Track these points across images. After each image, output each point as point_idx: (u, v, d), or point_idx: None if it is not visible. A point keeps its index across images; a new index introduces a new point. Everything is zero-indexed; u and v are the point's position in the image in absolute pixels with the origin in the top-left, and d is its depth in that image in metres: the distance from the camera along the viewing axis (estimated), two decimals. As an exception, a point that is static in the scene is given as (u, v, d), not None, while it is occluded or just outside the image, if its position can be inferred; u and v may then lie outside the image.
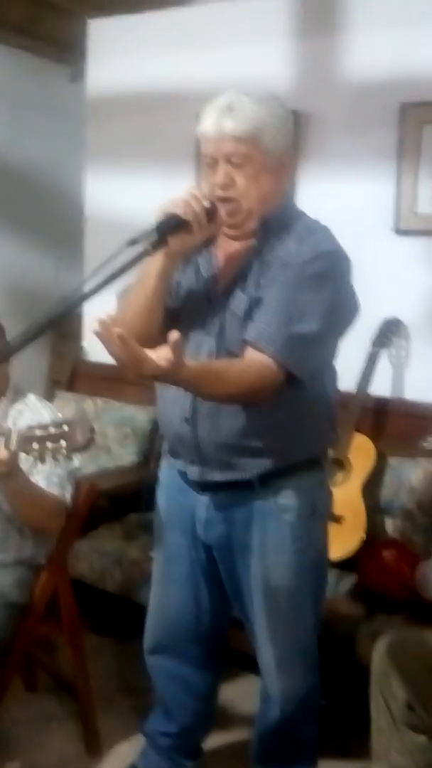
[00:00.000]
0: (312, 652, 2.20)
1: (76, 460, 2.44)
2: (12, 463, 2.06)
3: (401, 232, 3.26)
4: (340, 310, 1.97)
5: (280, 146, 1.95)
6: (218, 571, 2.18)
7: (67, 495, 2.36)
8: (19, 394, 2.42)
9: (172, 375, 1.70)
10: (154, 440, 3.60)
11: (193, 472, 2.10)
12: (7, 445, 2.00)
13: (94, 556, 3.08)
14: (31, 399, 2.42)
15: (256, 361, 1.88)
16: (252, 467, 2.03)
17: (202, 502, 2.12)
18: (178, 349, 1.65)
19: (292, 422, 2.01)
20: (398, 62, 3.18)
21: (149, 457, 3.61)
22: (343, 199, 3.25)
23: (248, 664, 2.40)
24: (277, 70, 3.41)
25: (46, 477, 2.32)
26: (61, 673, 2.73)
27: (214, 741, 2.55)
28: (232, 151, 1.90)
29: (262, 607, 2.10)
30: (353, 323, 2.03)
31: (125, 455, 3.61)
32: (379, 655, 2.13)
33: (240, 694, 2.75)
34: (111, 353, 1.65)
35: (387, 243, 3.26)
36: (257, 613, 2.12)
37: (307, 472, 2.08)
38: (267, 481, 2.04)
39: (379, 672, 2.11)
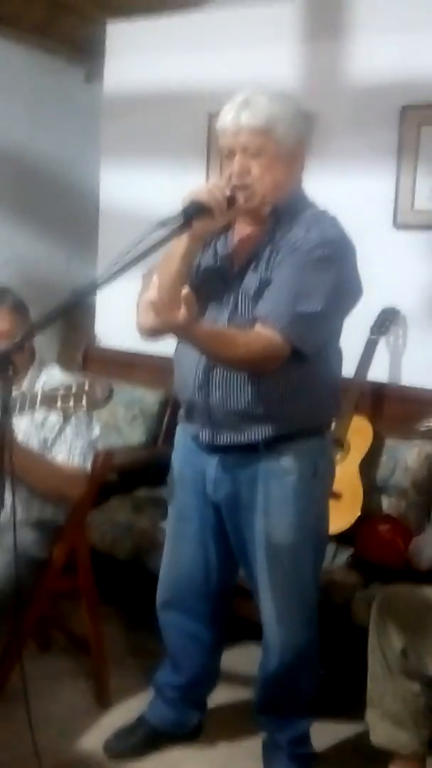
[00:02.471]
0: (311, 607, 2.37)
1: (97, 428, 2.62)
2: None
3: (400, 226, 3.45)
4: (343, 291, 2.16)
5: (292, 139, 2.14)
6: (226, 530, 2.35)
7: (88, 464, 2.55)
8: (44, 365, 2.61)
9: (184, 329, 1.94)
10: (162, 420, 3.78)
11: (204, 435, 2.28)
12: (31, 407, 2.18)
13: (106, 526, 3.24)
14: (55, 368, 2.61)
15: (264, 334, 2.07)
16: (258, 432, 2.20)
17: (212, 463, 2.29)
18: (189, 304, 1.87)
19: (295, 394, 2.18)
20: (399, 66, 3.36)
21: (157, 436, 3.78)
22: (345, 194, 3.39)
23: (252, 633, 2.56)
24: (284, 72, 3.58)
25: (69, 447, 2.51)
26: (74, 631, 2.88)
27: (217, 700, 2.71)
28: (247, 143, 2.10)
29: (265, 561, 2.27)
30: (356, 304, 2.22)
31: (134, 435, 3.78)
32: (376, 606, 2.30)
33: (243, 660, 2.88)
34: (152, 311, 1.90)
35: (386, 236, 3.44)
36: (260, 567, 2.29)
37: (309, 438, 2.25)
38: (271, 445, 2.21)
39: (376, 622, 2.28)
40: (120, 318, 4.06)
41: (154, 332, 2.12)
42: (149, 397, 3.84)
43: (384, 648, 2.24)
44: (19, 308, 2.55)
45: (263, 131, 2.09)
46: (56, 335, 4.47)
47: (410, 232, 3.43)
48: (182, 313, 1.87)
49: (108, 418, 3.73)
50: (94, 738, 2.60)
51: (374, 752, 2.33)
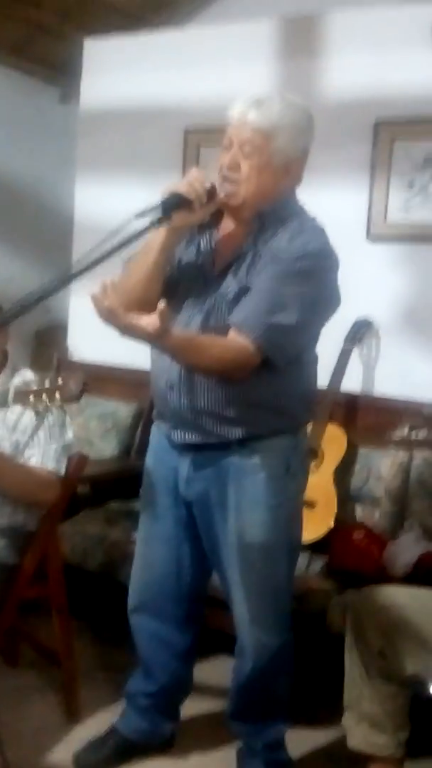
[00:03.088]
0: (285, 608, 2.33)
1: (70, 432, 2.58)
2: None
3: (373, 239, 3.48)
4: (320, 304, 2.15)
5: (289, 152, 2.13)
6: (198, 531, 2.32)
7: (61, 468, 2.50)
8: (16, 370, 2.57)
9: (158, 340, 1.92)
10: (135, 433, 3.75)
11: (176, 434, 2.26)
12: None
13: (77, 537, 3.19)
14: (28, 371, 2.57)
15: (237, 342, 2.06)
16: (229, 433, 2.18)
17: (184, 462, 2.27)
18: (164, 318, 1.86)
19: (268, 397, 2.17)
20: (372, 83, 3.42)
21: (130, 449, 3.75)
22: (320, 207, 3.41)
23: (226, 645, 2.51)
24: (259, 88, 3.61)
25: (42, 451, 2.47)
26: (42, 644, 2.81)
27: (190, 711, 2.66)
28: (246, 140, 2.09)
29: (237, 561, 2.24)
30: (333, 315, 2.21)
31: (107, 448, 3.75)
32: (352, 607, 2.28)
33: (217, 673, 2.83)
34: (102, 319, 1.90)
35: (360, 249, 3.46)
36: (232, 567, 2.26)
37: (282, 437, 2.23)
38: (243, 443, 2.19)
39: (352, 623, 2.25)
40: (93, 331, 4.07)
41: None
42: (122, 410, 3.81)
43: (361, 649, 2.21)
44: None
45: (264, 134, 2.08)
46: (29, 348, 4.45)
47: (383, 245, 3.46)
48: (152, 323, 1.87)
49: (80, 431, 3.69)
50: (65, 752, 2.52)
51: (351, 758, 2.29)
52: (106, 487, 3.55)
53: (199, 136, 3.80)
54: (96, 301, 1.89)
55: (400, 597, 2.30)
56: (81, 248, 4.31)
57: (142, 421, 3.75)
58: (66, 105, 5.10)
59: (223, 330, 2.10)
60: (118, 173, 4.16)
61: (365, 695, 2.21)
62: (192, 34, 3.94)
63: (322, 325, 2.22)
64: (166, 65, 3.93)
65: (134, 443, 3.76)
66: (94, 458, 3.63)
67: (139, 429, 3.76)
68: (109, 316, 1.89)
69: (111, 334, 3.65)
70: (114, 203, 4.11)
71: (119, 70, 4.11)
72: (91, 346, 4.04)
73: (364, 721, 2.21)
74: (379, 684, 2.19)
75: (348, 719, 2.25)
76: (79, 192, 4.34)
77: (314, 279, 2.10)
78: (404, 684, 2.17)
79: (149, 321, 1.88)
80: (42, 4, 4.36)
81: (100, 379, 3.92)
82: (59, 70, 4.93)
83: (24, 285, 4.61)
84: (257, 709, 2.36)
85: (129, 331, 1.92)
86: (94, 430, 3.79)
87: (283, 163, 2.12)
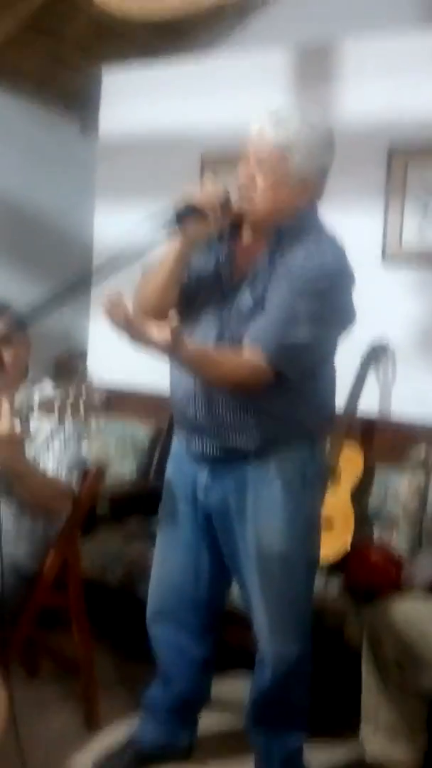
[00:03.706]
0: (304, 618, 2.35)
1: (86, 445, 2.64)
2: (18, 441, 2.26)
3: (388, 263, 3.54)
4: (334, 322, 2.19)
5: (306, 170, 2.16)
6: (217, 540, 2.35)
7: (73, 479, 2.55)
8: (36, 382, 2.63)
9: (170, 352, 2.00)
10: (153, 454, 3.80)
11: (195, 444, 2.30)
12: (20, 422, 2.21)
13: (96, 553, 3.22)
14: (48, 383, 2.63)
15: (250, 359, 2.11)
16: (246, 442, 2.23)
17: (203, 471, 2.32)
18: (175, 334, 1.93)
19: (283, 409, 2.21)
20: (386, 109, 3.51)
21: (149, 470, 3.79)
22: (336, 231, 3.53)
23: (244, 662, 2.53)
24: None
25: (57, 459, 2.52)
26: (62, 654, 2.84)
27: (208, 725, 2.68)
28: (263, 156, 2.14)
29: (256, 570, 2.27)
30: (347, 331, 2.25)
31: (126, 468, 3.79)
32: (370, 619, 2.30)
33: (236, 689, 2.83)
34: (116, 326, 1.95)
35: (375, 272, 3.52)
36: (251, 577, 2.28)
37: (298, 446, 2.27)
38: (260, 452, 2.23)
39: (370, 635, 2.28)
40: (112, 354, 4.14)
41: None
42: (140, 432, 3.86)
43: (377, 661, 2.24)
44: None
45: (280, 152, 2.11)
46: (48, 373, 4.50)
47: (398, 269, 3.52)
48: (165, 337, 1.93)
49: (99, 451, 3.74)
50: (84, 761, 2.54)
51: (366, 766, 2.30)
52: (124, 506, 3.59)
53: (216, 163, 3.88)
54: (110, 310, 1.95)
55: (417, 609, 2.33)
56: (101, 276, 4.39)
57: (160, 442, 3.79)
58: (86, 136, 5.20)
59: (237, 342, 2.15)
60: (136, 201, 4.23)
61: (382, 706, 2.23)
62: (207, 64, 4.04)
63: (337, 341, 2.26)
64: (182, 95, 4.04)
65: (152, 464, 3.80)
66: (113, 479, 3.70)
67: (158, 450, 3.80)
68: (125, 325, 1.96)
69: (130, 357, 3.74)
70: (133, 228, 4.22)
71: (137, 100, 4.23)
72: (110, 369, 4.09)
73: (381, 732, 2.23)
74: (396, 695, 2.21)
75: (365, 730, 2.27)
76: (98, 220, 4.44)
77: (328, 298, 2.14)
78: (421, 695, 2.19)
79: (162, 334, 1.94)
80: (62, 36, 4.48)
81: (119, 402, 3.98)
82: (79, 102, 5.04)
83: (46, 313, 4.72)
84: (275, 718, 2.38)
85: (142, 341, 1.98)
86: (112, 452, 3.84)
87: (299, 181, 2.16)
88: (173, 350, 1.98)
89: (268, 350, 2.09)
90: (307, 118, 2.17)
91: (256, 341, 2.11)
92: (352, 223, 3.51)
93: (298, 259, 2.15)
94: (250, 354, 2.11)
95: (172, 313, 1.95)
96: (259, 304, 2.17)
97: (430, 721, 2.24)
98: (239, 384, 2.15)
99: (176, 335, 1.93)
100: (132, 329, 1.96)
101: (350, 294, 2.22)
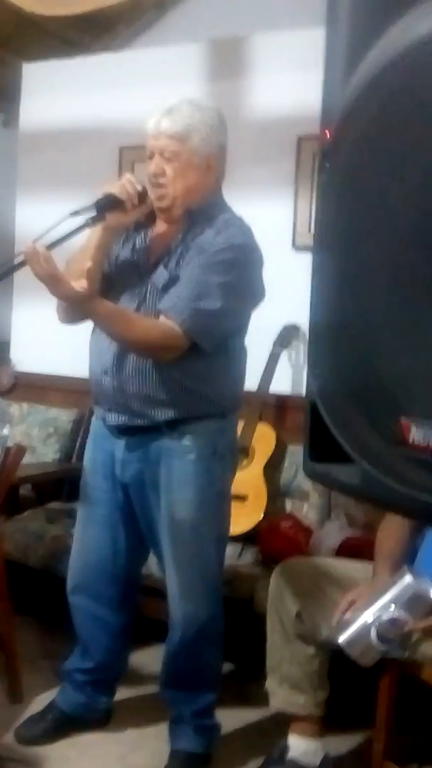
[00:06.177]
0: (213, 583, 2.47)
1: (6, 429, 2.73)
2: None
3: (298, 248, 3.69)
4: (244, 293, 2.33)
5: (207, 149, 2.32)
6: (135, 513, 2.47)
7: None
8: None
9: (85, 302, 2.10)
10: (76, 439, 3.89)
11: (111, 417, 2.41)
12: None
13: (18, 534, 3.31)
14: None
15: (165, 323, 2.24)
16: (159, 415, 2.34)
17: (120, 445, 2.42)
18: (91, 277, 2.05)
19: (198, 383, 2.34)
20: (295, 101, 3.63)
21: (71, 454, 3.89)
22: (248, 219, 3.64)
23: (160, 634, 2.63)
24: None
25: None
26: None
27: (125, 694, 2.80)
28: (164, 147, 2.29)
29: (168, 537, 2.39)
30: (256, 306, 2.39)
31: (49, 453, 3.88)
32: (274, 576, 2.43)
33: (151, 660, 2.95)
34: (35, 272, 2.04)
35: (286, 257, 3.66)
36: (164, 544, 2.40)
37: (209, 421, 2.39)
38: (173, 426, 2.35)
39: (273, 592, 2.40)
40: (35, 342, 4.23)
41: (67, 313, 2.30)
42: (63, 417, 3.96)
43: (281, 614, 2.36)
44: None
45: (179, 138, 2.27)
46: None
47: (308, 253, 3.62)
48: (82, 284, 2.03)
49: (23, 437, 3.82)
50: (7, 730, 2.63)
51: (275, 726, 2.44)
52: (47, 489, 3.68)
53: (134, 154, 3.98)
54: (32, 259, 2.04)
55: (317, 566, 2.47)
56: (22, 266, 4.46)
57: (83, 427, 3.89)
58: (7, 129, 5.24)
59: (155, 316, 2.27)
60: (57, 191, 4.31)
61: (285, 658, 2.35)
62: (125, 57, 4.14)
63: (246, 314, 2.40)
64: (101, 87, 4.14)
65: (75, 449, 3.89)
66: (36, 463, 3.79)
67: (80, 435, 3.90)
68: (50, 280, 2.06)
69: (53, 345, 3.83)
70: (54, 216, 4.29)
71: (57, 93, 4.31)
72: (34, 357, 4.18)
73: (285, 683, 2.35)
74: (298, 646, 2.33)
75: (270, 682, 2.39)
76: (20, 210, 4.50)
77: (237, 269, 2.28)
78: (321, 645, 2.32)
79: (78, 283, 2.07)
80: (-18, 31, 4.52)
81: (42, 389, 4.08)
82: (1, 95, 5.08)
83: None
84: (186, 678, 2.49)
85: (64, 293, 2.09)
86: (36, 437, 3.93)
87: (203, 160, 2.31)
88: (91, 298, 2.09)
89: (181, 317, 2.21)
90: (195, 103, 2.33)
91: (170, 309, 2.24)
92: (264, 211, 3.64)
93: (209, 236, 2.30)
94: (165, 320, 2.23)
95: (87, 263, 2.09)
96: (173, 280, 2.30)
97: (331, 668, 2.37)
98: (152, 345, 2.26)
99: (90, 279, 2.05)
100: (52, 279, 2.06)
101: (259, 270, 2.36)
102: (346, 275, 0.99)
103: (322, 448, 1.04)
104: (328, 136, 1.00)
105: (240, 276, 2.29)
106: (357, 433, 0.96)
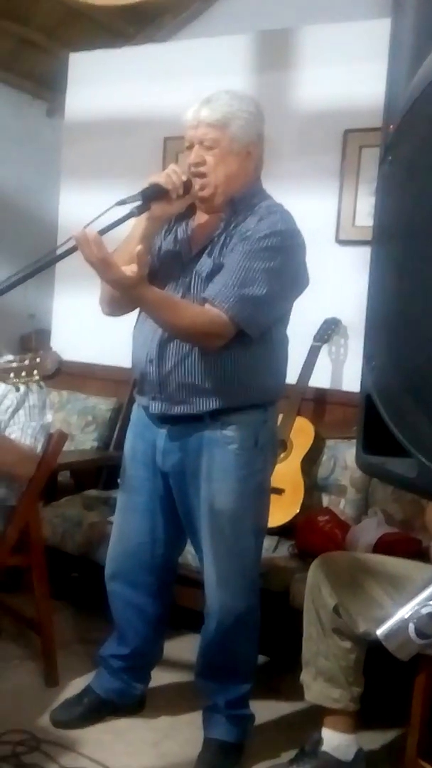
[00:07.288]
0: (250, 574, 2.48)
1: (50, 415, 2.75)
2: None
3: (342, 242, 3.68)
4: (288, 279, 2.34)
5: (246, 136, 2.32)
6: (174, 502, 2.48)
7: (39, 446, 2.66)
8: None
9: (134, 287, 2.10)
10: (115, 427, 3.92)
11: (154, 406, 2.42)
12: None
13: (57, 520, 3.34)
14: (9, 356, 2.73)
15: (211, 310, 2.24)
16: (204, 405, 2.35)
17: (162, 434, 2.44)
18: (141, 261, 2.05)
19: (241, 372, 2.34)
20: (341, 94, 3.63)
21: (109, 442, 3.92)
22: (292, 212, 3.65)
23: (194, 623, 2.64)
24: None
25: (22, 428, 2.64)
26: (22, 613, 2.96)
27: (160, 680, 2.82)
28: (204, 136, 2.30)
29: (207, 527, 2.40)
30: (300, 293, 2.40)
31: (87, 441, 3.91)
32: (313, 569, 2.42)
33: (185, 649, 2.97)
34: (86, 256, 2.04)
35: (329, 251, 3.65)
36: (203, 533, 2.41)
37: (251, 412, 2.40)
38: (216, 416, 2.36)
39: (311, 584, 2.40)
40: (76, 331, 4.26)
41: (112, 304, 2.30)
42: (102, 405, 3.98)
43: (318, 607, 2.36)
44: None
45: (219, 126, 2.29)
46: (12, 351, 4.59)
47: (351, 247, 3.65)
48: (132, 268, 2.04)
49: (62, 425, 3.86)
50: (43, 712, 2.66)
51: (308, 719, 2.45)
52: (85, 477, 3.71)
53: (178, 144, 3.96)
54: (85, 247, 2.03)
55: (354, 560, 2.47)
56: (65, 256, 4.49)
57: (121, 416, 3.91)
58: (52, 118, 5.29)
59: (200, 304, 2.28)
60: (101, 181, 4.34)
61: (321, 651, 2.35)
62: (171, 48, 4.16)
63: (290, 301, 2.40)
64: (146, 78, 4.15)
65: (113, 437, 3.92)
66: (75, 450, 3.82)
67: (118, 424, 3.92)
68: (101, 264, 2.05)
69: (93, 335, 3.82)
70: (97, 211, 4.32)
71: (102, 83, 4.32)
72: (74, 346, 4.20)
73: (321, 676, 2.35)
74: (334, 640, 2.33)
75: (305, 675, 2.39)
76: (63, 200, 4.53)
77: (281, 255, 2.28)
78: (357, 640, 2.32)
79: (128, 267, 2.07)
80: (29, 20, 4.57)
81: (81, 377, 4.11)
82: (46, 85, 5.13)
83: (7, 295, 4.82)
84: (222, 668, 2.51)
85: (114, 278, 2.09)
86: (74, 424, 3.96)
87: (242, 147, 2.32)
88: (140, 282, 2.09)
89: (227, 303, 2.22)
90: (232, 92, 2.34)
91: (215, 297, 2.24)
92: (308, 204, 3.63)
93: (251, 223, 2.31)
94: (211, 308, 2.24)
95: (138, 246, 2.08)
96: (217, 267, 2.31)
97: (367, 664, 2.37)
98: (199, 332, 2.26)
99: (141, 262, 2.05)
100: (102, 263, 2.06)
101: (303, 255, 2.37)
102: (407, 267, 0.98)
103: (376, 441, 1.04)
104: (391, 129, 1.00)
105: (284, 262, 2.30)
106: (415, 427, 0.96)
